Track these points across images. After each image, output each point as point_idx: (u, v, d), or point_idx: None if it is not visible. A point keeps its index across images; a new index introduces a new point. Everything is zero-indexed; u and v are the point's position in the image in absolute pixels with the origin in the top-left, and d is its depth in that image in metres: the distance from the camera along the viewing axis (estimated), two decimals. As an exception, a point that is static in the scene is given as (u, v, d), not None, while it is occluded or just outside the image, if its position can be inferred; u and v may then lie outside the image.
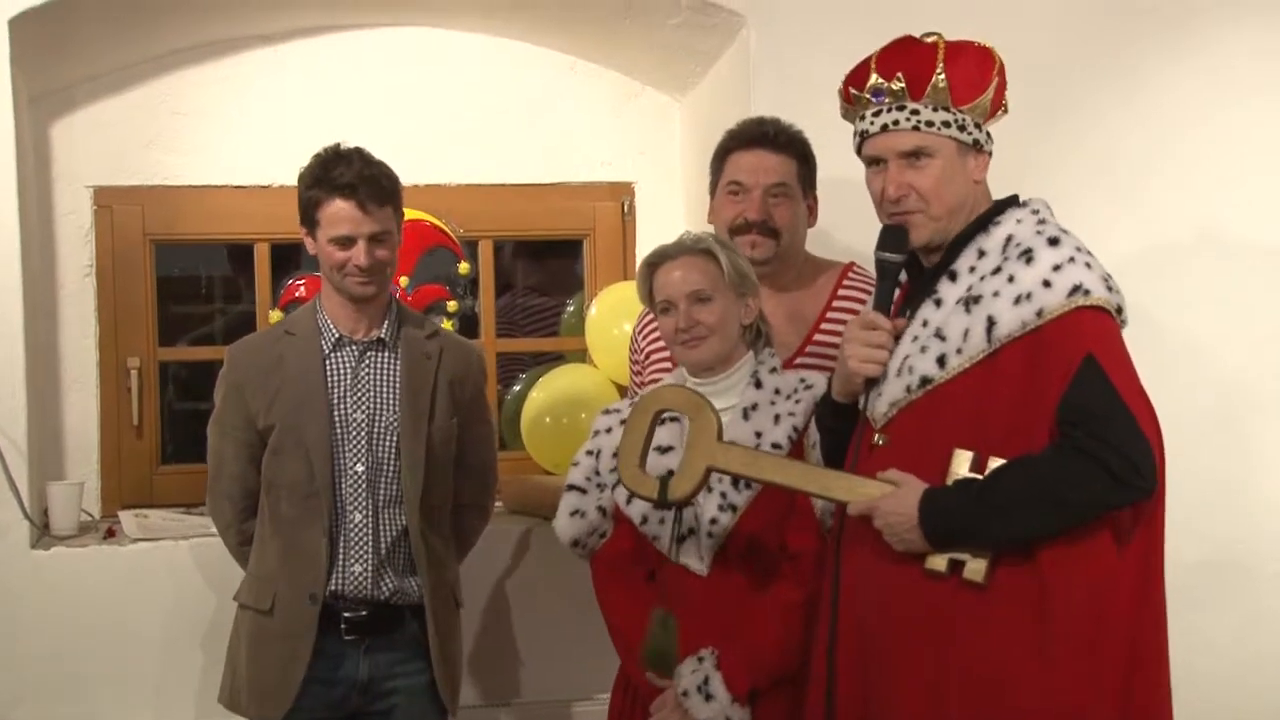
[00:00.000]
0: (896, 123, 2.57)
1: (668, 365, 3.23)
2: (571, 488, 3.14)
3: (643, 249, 4.56)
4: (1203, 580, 4.16)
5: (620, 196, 4.65)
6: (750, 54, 4.03)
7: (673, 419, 2.96)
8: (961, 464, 2.46)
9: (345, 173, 3.19)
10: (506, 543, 4.06)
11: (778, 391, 2.99)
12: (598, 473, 3.10)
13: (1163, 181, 4.15)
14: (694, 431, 2.74)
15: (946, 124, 2.55)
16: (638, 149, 4.64)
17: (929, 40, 2.59)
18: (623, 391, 4.09)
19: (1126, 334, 3.97)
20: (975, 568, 2.45)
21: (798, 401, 2.97)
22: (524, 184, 4.58)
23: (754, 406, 2.98)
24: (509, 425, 4.55)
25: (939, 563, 2.47)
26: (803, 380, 3.02)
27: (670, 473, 2.78)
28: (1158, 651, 2.50)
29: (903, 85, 2.56)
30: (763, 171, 3.32)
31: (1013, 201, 2.63)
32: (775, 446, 2.93)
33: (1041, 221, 2.55)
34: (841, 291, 3.35)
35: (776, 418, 2.96)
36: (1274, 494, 4.21)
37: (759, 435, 2.94)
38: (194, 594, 3.86)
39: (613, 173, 4.64)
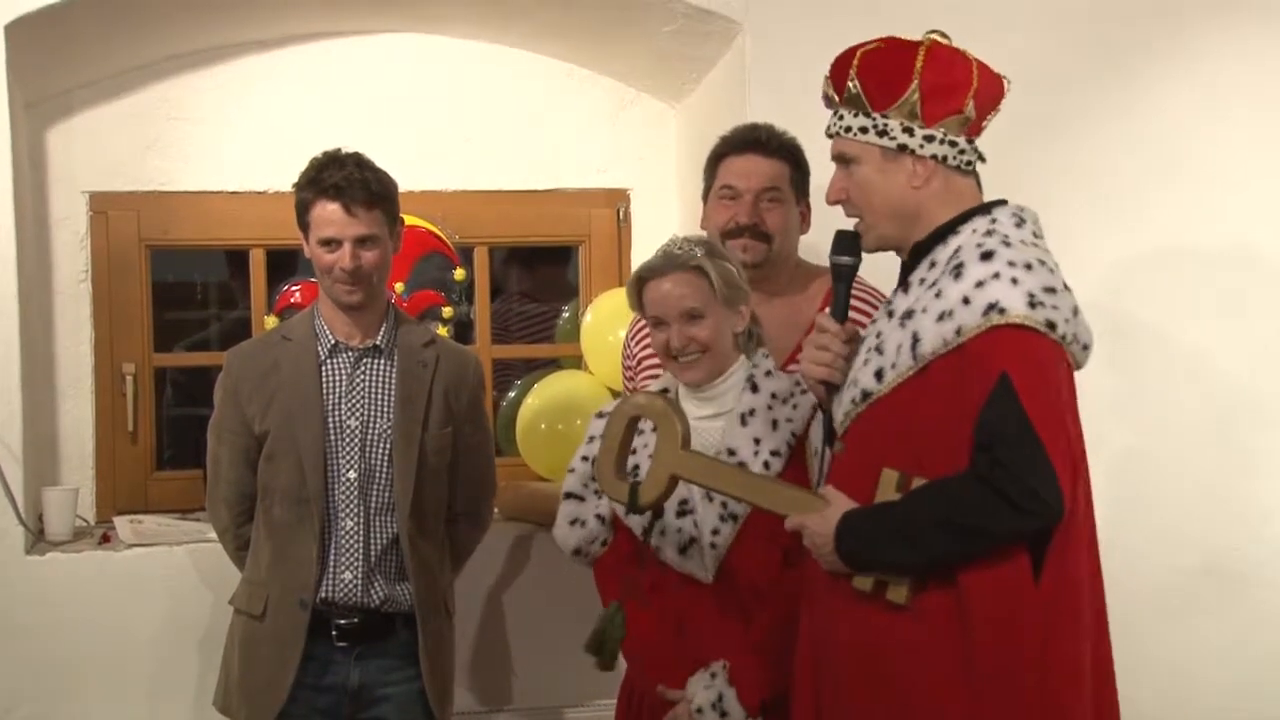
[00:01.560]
0: (829, 128, 2.60)
1: (660, 369, 3.23)
2: (569, 496, 3.14)
3: (638, 255, 4.56)
4: (1200, 585, 4.17)
5: (616, 203, 4.66)
6: (746, 61, 4.04)
7: None
8: (888, 484, 2.45)
9: (334, 175, 3.20)
10: (501, 549, 4.05)
11: (774, 396, 2.98)
12: (594, 479, 3.10)
13: (1159, 188, 4.16)
14: (659, 439, 2.77)
15: (865, 129, 2.52)
16: (633, 155, 4.65)
17: (868, 45, 2.55)
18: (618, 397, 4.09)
19: (1122, 342, 3.99)
20: (897, 589, 2.44)
21: (795, 406, 2.96)
22: (519, 190, 4.58)
23: (751, 412, 2.97)
24: (504, 432, 4.54)
25: (864, 583, 2.47)
26: (798, 383, 3.00)
27: (637, 482, 2.81)
28: (1076, 671, 2.42)
29: (832, 92, 2.57)
30: (755, 176, 3.34)
31: (985, 208, 2.56)
32: (774, 453, 2.93)
33: (989, 233, 2.48)
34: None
35: (774, 423, 2.95)
36: (1270, 499, 4.21)
37: (758, 442, 2.94)
38: (189, 599, 3.86)
39: (608, 179, 4.64)
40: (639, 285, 3.03)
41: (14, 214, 3.83)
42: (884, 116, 2.51)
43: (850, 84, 2.52)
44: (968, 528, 2.35)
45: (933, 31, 2.56)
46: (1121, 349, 4.06)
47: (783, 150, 3.37)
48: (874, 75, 2.51)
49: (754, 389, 2.99)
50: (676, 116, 4.65)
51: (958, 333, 2.38)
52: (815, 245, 3.55)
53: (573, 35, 4.39)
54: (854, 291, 3.33)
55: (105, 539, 4.00)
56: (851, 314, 3.25)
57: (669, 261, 2.99)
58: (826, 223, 3.44)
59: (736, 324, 3.01)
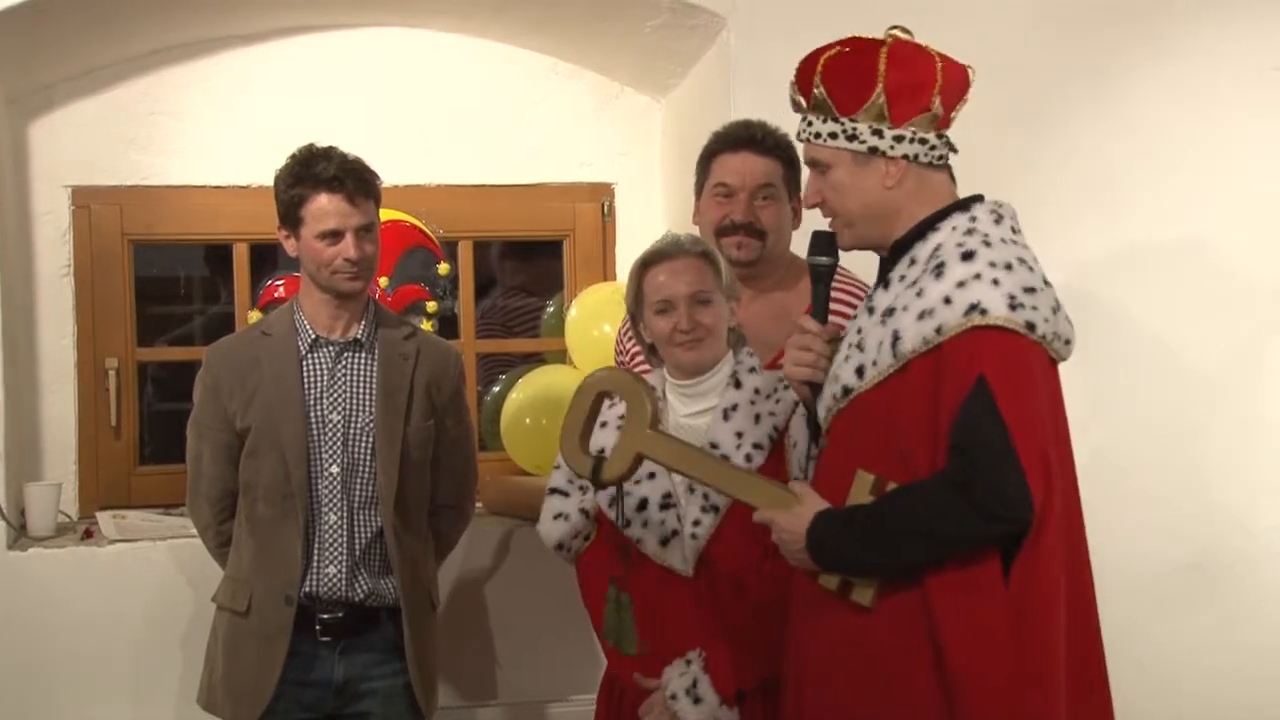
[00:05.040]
0: (800, 134, 2.60)
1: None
2: (554, 491, 3.14)
3: (623, 250, 4.57)
4: (1186, 579, 4.19)
5: (600, 197, 4.66)
6: (730, 56, 4.04)
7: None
8: (863, 487, 2.44)
9: (329, 167, 3.21)
10: (486, 544, 4.05)
11: (757, 391, 3.00)
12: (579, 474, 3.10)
13: (1138, 183, 4.17)
14: (629, 417, 2.76)
15: (834, 135, 2.52)
16: (618, 150, 4.65)
17: (830, 50, 2.54)
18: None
19: (1102, 336, 4.00)
20: (862, 591, 2.44)
21: (778, 401, 2.98)
22: (504, 185, 4.58)
23: (734, 407, 2.98)
24: (488, 426, 4.54)
25: (831, 582, 2.47)
26: (782, 380, 3.02)
27: (602, 453, 2.80)
28: (1049, 676, 2.39)
29: (800, 98, 2.57)
30: (749, 174, 3.34)
31: (964, 204, 2.56)
32: (756, 446, 2.94)
33: (969, 232, 2.47)
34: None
35: (757, 417, 2.97)
36: (1253, 492, 4.23)
37: (740, 435, 2.95)
38: (172, 595, 3.85)
39: (593, 173, 4.64)
40: (643, 271, 3.04)
41: (-5, 208, 3.83)
42: (852, 120, 2.51)
43: (816, 90, 2.52)
44: (937, 533, 2.34)
45: (894, 27, 2.57)
46: (1102, 343, 4.07)
47: (777, 148, 3.38)
48: (839, 80, 2.51)
49: (737, 384, 3.01)
50: (661, 111, 4.65)
51: (938, 331, 2.37)
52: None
53: (557, 29, 4.39)
54: (842, 285, 3.36)
55: (88, 534, 4.00)
56: (839, 308, 3.28)
57: (677, 247, 3.03)
58: (819, 220, 3.47)
59: (730, 318, 3.04)
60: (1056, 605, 2.38)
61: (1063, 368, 2.53)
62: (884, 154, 2.51)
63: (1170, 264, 4.18)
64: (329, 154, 3.23)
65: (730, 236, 3.31)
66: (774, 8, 4.01)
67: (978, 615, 2.34)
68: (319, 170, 3.20)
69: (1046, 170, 4.11)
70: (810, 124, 2.55)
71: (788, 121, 3.36)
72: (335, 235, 3.21)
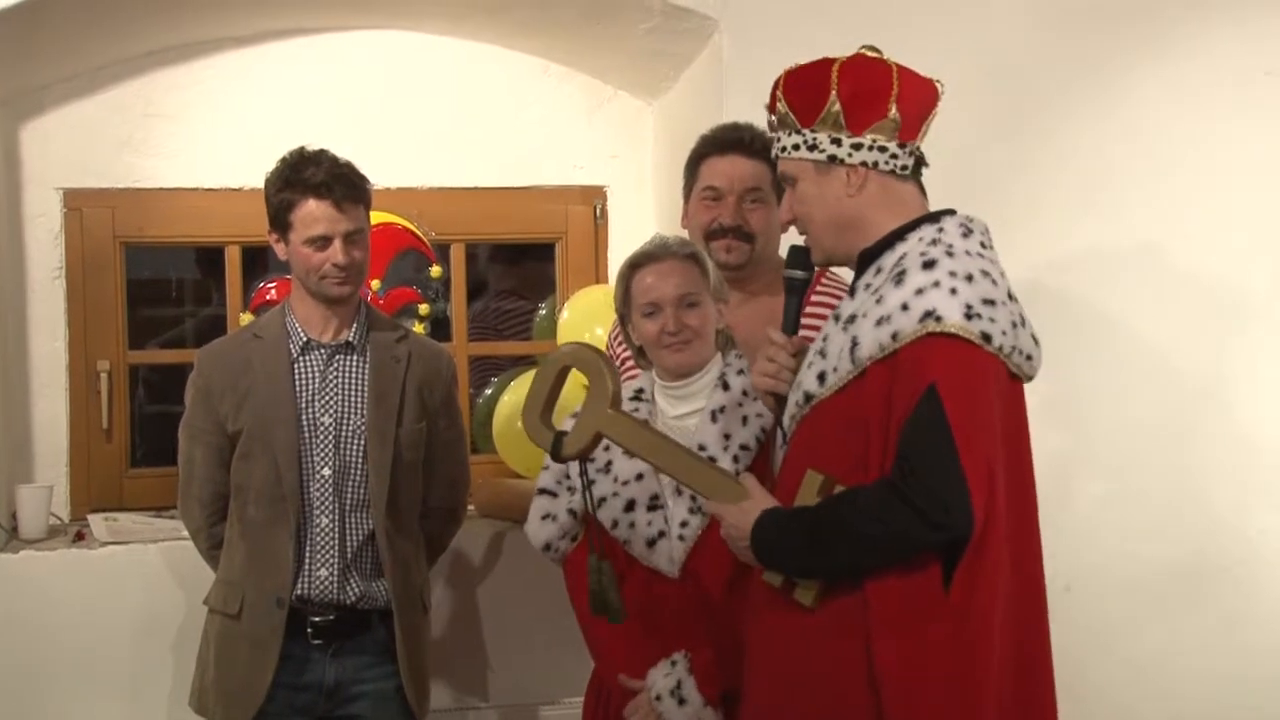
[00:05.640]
0: (772, 152, 2.66)
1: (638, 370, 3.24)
2: (542, 491, 3.15)
3: (615, 253, 4.57)
4: (1183, 581, 4.19)
5: (592, 200, 4.66)
6: (723, 58, 4.04)
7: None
8: (810, 487, 2.45)
9: (317, 172, 3.20)
10: (478, 546, 4.05)
11: (745, 393, 3.00)
12: (568, 476, 3.10)
13: (1137, 183, 4.17)
14: (590, 395, 2.77)
15: (797, 146, 2.56)
16: (610, 153, 4.65)
17: (792, 67, 2.59)
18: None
19: (1100, 336, 3.99)
20: (805, 591, 2.45)
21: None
22: (496, 187, 4.58)
23: (722, 409, 2.99)
24: (480, 429, 4.54)
25: (775, 579, 2.49)
26: None
27: (563, 432, 2.80)
28: (982, 687, 2.38)
29: (771, 115, 2.62)
30: (738, 177, 3.34)
31: (934, 217, 2.56)
32: (744, 448, 2.95)
33: (934, 242, 2.48)
34: (814, 298, 3.35)
35: (745, 419, 2.97)
36: (1246, 494, 4.23)
37: (728, 437, 2.95)
38: (164, 598, 3.84)
39: (585, 176, 4.64)
40: (631, 273, 3.04)
41: (-13, 211, 3.82)
42: (812, 131, 2.54)
43: (779, 105, 2.57)
44: (876, 537, 2.34)
45: (865, 46, 2.59)
46: (1099, 344, 4.07)
47: (765, 150, 3.35)
48: (797, 92, 2.55)
49: (725, 386, 3.02)
50: (653, 114, 4.65)
51: (894, 338, 2.38)
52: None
53: (549, 32, 4.39)
54: (833, 293, 3.36)
55: (80, 537, 3.99)
56: (823, 309, 3.28)
57: (665, 249, 3.03)
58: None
59: (719, 320, 3.03)
60: (994, 616, 2.38)
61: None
62: (843, 161, 2.54)
63: (1168, 265, 4.18)
64: (319, 158, 3.23)
65: (719, 240, 3.30)
66: (766, 11, 4.01)
67: (915, 622, 2.35)
68: (308, 175, 3.20)
69: (1046, 170, 4.11)
70: (779, 139, 2.60)
71: (779, 125, 3.38)
72: (323, 241, 3.21)
